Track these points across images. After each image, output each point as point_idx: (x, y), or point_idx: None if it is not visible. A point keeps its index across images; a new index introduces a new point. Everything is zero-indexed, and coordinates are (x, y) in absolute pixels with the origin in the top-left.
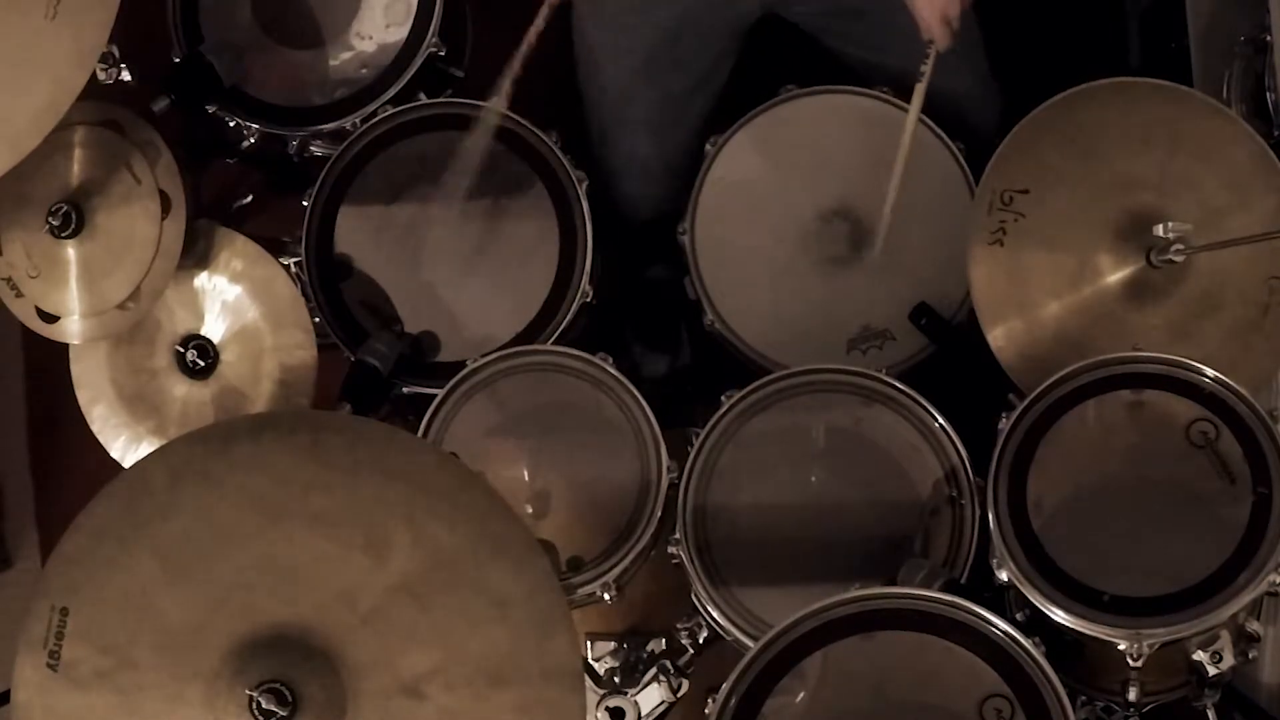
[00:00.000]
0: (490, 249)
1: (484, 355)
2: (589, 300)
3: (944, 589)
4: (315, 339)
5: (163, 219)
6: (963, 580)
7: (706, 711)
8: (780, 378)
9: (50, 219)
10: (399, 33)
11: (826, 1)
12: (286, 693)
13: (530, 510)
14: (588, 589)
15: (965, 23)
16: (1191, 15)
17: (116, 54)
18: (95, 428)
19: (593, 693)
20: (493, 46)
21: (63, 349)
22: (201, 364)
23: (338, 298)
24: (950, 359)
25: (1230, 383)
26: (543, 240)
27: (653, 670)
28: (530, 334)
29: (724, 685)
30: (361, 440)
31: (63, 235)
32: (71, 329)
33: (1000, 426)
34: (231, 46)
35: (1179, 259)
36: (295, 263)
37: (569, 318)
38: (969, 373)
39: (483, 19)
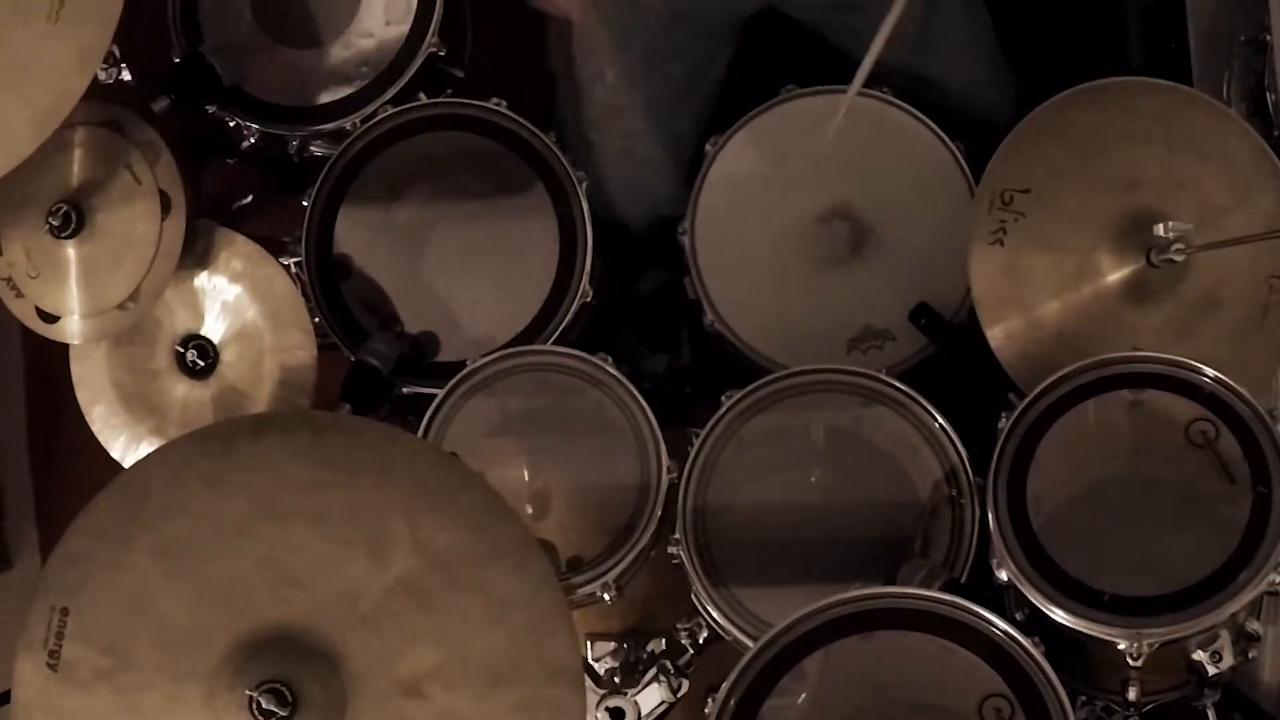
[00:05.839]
0: (490, 249)
1: (484, 355)
2: (589, 300)
3: (944, 589)
4: (315, 339)
5: (163, 219)
6: (963, 580)
7: (706, 711)
8: (780, 378)
9: (50, 219)
10: (399, 32)
11: None
12: (286, 693)
13: (530, 510)
14: (588, 589)
15: (971, 6)
16: (1191, 15)
17: (117, 54)
18: (95, 428)
19: (593, 693)
20: (493, 46)
21: (63, 349)
22: (201, 364)
23: (338, 298)
24: (950, 359)
25: (1230, 383)
26: (543, 240)
27: (653, 670)
28: (530, 334)
29: (724, 685)
30: (361, 440)
31: (63, 235)
32: (71, 329)
33: (1000, 426)
34: (231, 46)
35: (1179, 258)
36: (295, 263)
37: (569, 318)
38: (969, 373)
39: (483, 19)
